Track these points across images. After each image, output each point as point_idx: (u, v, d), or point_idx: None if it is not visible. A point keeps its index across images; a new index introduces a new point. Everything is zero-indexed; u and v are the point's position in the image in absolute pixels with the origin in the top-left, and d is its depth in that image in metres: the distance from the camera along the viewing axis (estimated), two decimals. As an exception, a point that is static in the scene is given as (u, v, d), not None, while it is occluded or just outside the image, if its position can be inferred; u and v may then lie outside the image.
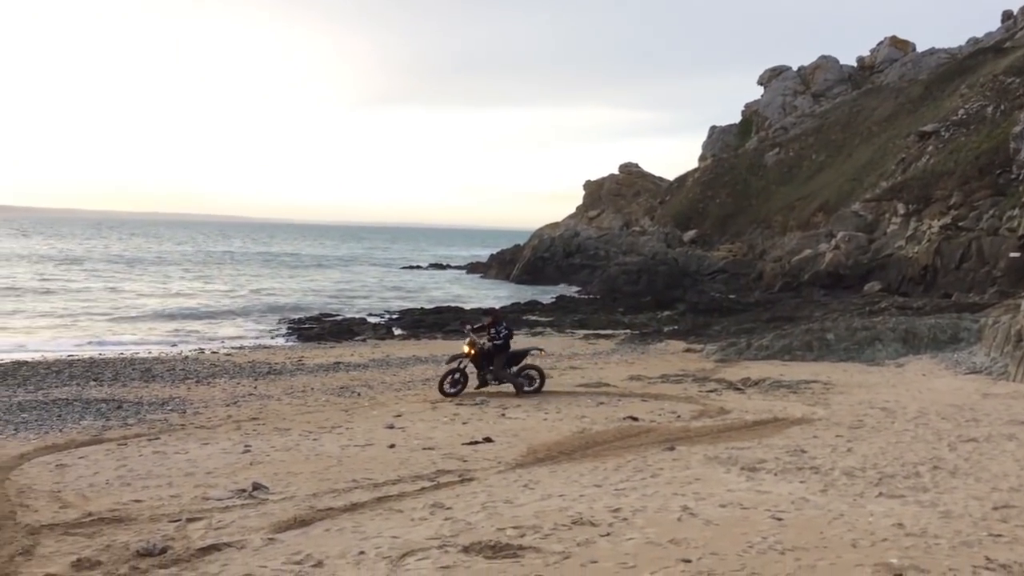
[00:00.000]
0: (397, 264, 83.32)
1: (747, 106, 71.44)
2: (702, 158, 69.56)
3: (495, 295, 47.19)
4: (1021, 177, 34.65)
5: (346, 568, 6.14)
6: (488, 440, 11.09)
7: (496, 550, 6.38)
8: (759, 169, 62.04)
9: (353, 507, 7.82)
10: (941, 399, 13.82)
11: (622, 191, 74.26)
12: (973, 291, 30.99)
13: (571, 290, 47.88)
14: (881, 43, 69.17)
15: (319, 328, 30.43)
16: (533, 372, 15.40)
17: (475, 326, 15.99)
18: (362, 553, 6.40)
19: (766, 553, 6.24)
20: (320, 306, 39.65)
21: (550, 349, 23.44)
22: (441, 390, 14.97)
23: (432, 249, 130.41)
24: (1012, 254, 30.69)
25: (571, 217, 72.92)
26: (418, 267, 77.71)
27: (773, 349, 20.64)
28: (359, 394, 15.79)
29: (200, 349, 24.41)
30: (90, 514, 7.74)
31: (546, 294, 44.82)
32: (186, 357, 21.98)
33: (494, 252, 73.56)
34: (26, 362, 20.17)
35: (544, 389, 15.15)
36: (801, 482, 8.40)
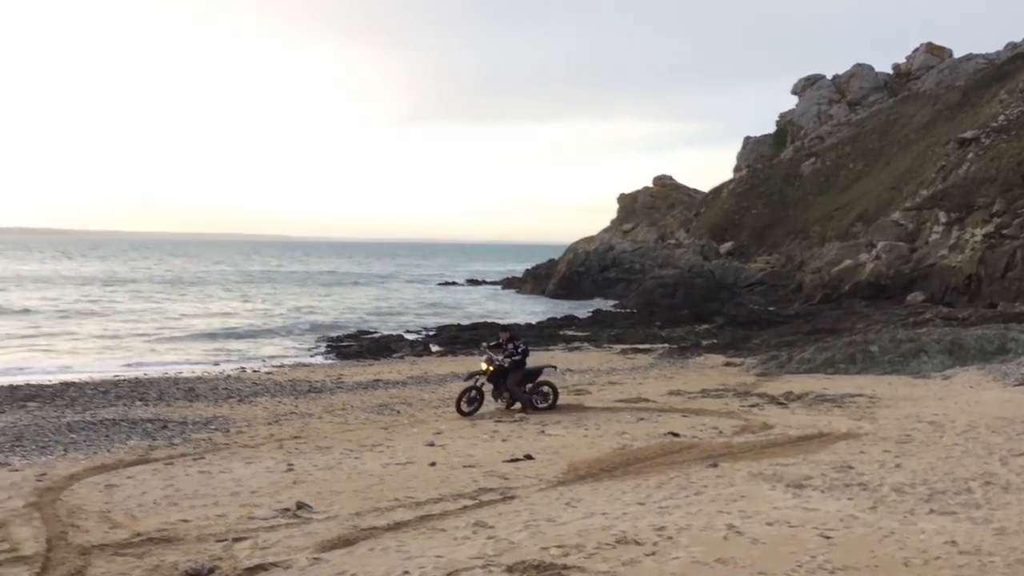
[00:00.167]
0: (432, 280, 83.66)
1: (781, 116, 70.90)
2: (736, 169, 69.10)
3: (531, 310, 47.17)
4: (1067, 183, 33.93)
5: (392, 588, 6.15)
6: (529, 457, 11.07)
7: (540, 570, 6.36)
8: (795, 179, 61.45)
9: (396, 526, 7.84)
10: (990, 412, 13.51)
11: (656, 204, 73.97)
12: (1019, 300, 30.35)
13: (607, 304, 47.67)
14: (917, 49, 68.32)
15: (357, 345, 30.62)
16: (547, 388, 15.36)
17: (491, 343, 16.00)
18: (406, 573, 6.42)
19: (815, 573, 6.15)
20: (357, 323, 39.94)
21: (587, 364, 23.39)
22: (458, 409, 14.90)
23: (467, 265, 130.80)
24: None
25: (606, 231, 72.76)
26: (454, 283, 77.97)
27: (815, 362, 20.36)
28: (398, 412, 15.86)
29: (241, 368, 24.70)
30: (139, 534, 7.85)
31: (582, 309, 44.68)
32: (228, 376, 22.25)
33: (529, 267, 73.60)
34: (73, 383, 20.54)
35: (586, 405, 15.08)
36: (849, 499, 8.26)
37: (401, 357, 27.30)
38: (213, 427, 14.42)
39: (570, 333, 32.69)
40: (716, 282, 48.47)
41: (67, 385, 20.03)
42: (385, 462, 11.03)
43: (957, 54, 66.28)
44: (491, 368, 15.12)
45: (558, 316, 39.93)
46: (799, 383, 18.02)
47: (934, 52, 67.01)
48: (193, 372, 23.46)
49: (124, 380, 21.19)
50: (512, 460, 10.92)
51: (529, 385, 15.26)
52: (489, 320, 39.51)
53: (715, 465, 10.02)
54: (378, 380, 20.77)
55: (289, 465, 10.92)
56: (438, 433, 13.18)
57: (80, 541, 7.68)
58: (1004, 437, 11.36)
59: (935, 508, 7.85)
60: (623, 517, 7.73)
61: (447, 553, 6.85)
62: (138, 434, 13.70)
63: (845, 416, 13.92)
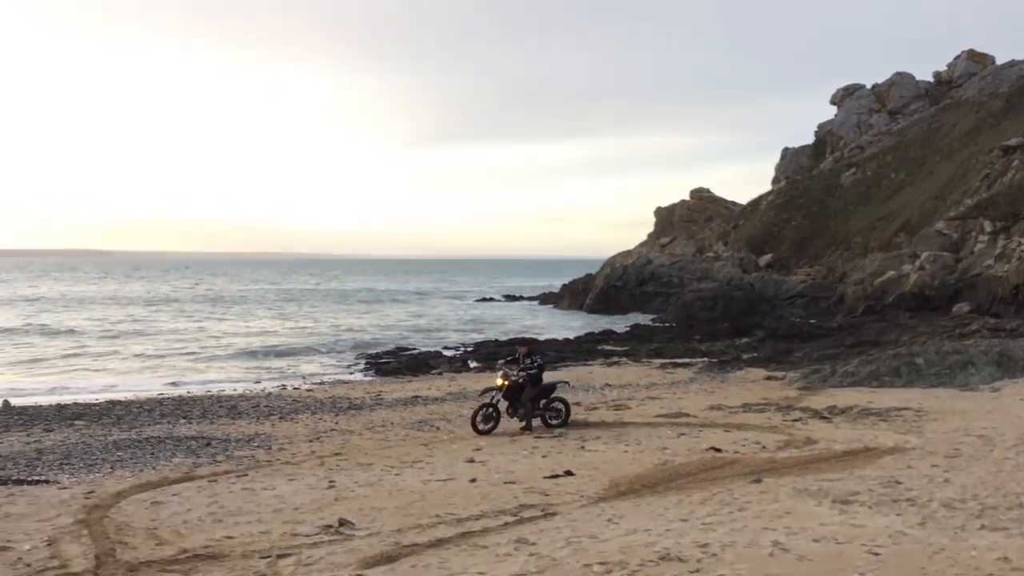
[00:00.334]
0: (470, 296, 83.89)
1: (820, 126, 70.19)
2: (775, 180, 68.47)
3: (568, 325, 47.07)
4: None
5: (434, 605, 6.15)
6: (569, 473, 11.02)
7: (584, 587, 6.32)
8: (835, 190, 60.70)
9: (438, 543, 7.84)
10: (1042, 425, 13.17)
11: (694, 217, 73.54)
12: (1070, 310, 29.59)
13: (645, 319, 47.41)
14: (958, 57, 67.29)
15: (396, 362, 30.83)
16: (559, 405, 15.23)
17: (508, 358, 15.90)
18: (449, 590, 6.42)
19: (865, 590, 6.03)
20: (396, 340, 40.19)
21: (626, 379, 23.26)
22: (474, 427, 14.75)
23: (504, 280, 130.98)
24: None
25: (643, 244, 72.42)
26: (492, 299, 78.09)
27: (859, 375, 20.02)
28: (438, 428, 15.90)
29: (282, 385, 24.99)
30: (185, 551, 7.95)
31: (620, 323, 44.47)
32: (269, 393, 22.52)
33: (566, 282, 73.51)
34: (119, 401, 20.94)
35: (625, 420, 14.97)
36: (897, 515, 8.10)
37: (439, 373, 27.41)
38: (256, 444, 14.58)
39: (608, 348, 32.57)
40: (756, 295, 47.99)
41: (113, 403, 20.43)
42: (425, 478, 11.05)
43: (1000, 61, 65.20)
44: (507, 383, 14.96)
45: (596, 331, 39.80)
46: (843, 397, 17.73)
47: (976, 59, 65.93)
48: (235, 390, 23.78)
49: (168, 398, 21.56)
50: (552, 476, 10.88)
51: (544, 401, 15.17)
52: (527, 335, 39.51)
53: (759, 481, 9.89)
54: (417, 396, 20.86)
55: (331, 482, 10.99)
56: (478, 449, 13.18)
57: (128, 558, 7.80)
58: (1058, 451, 11.06)
59: (986, 524, 7.66)
60: (666, 534, 7.66)
61: (489, 570, 6.84)
62: (183, 451, 13.90)
63: (891, 430, 13.66)
